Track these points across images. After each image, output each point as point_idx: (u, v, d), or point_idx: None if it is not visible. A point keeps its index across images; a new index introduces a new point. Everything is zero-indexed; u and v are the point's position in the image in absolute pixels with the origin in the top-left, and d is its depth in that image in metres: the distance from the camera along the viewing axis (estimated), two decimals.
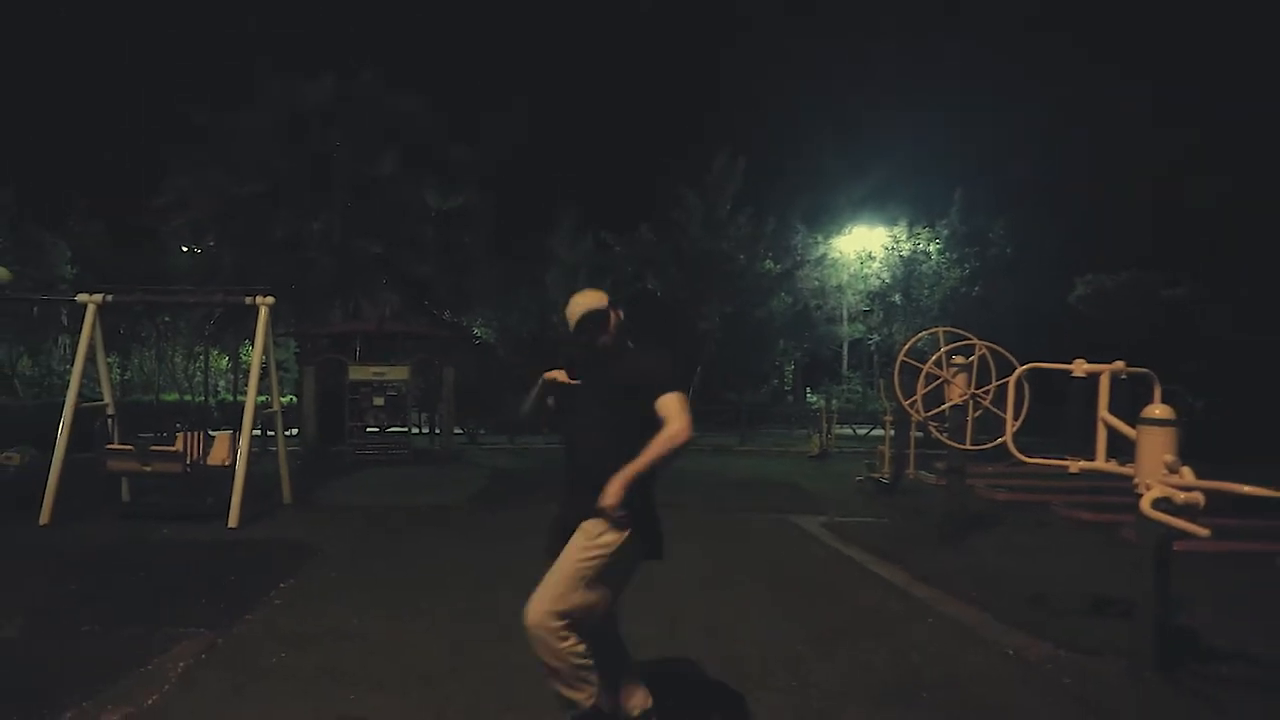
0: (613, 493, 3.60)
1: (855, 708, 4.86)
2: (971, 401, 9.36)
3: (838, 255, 39.78)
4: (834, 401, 32.38)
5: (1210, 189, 31.15)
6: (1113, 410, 5.74)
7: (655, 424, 3.71)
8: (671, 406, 3.71)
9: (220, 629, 6.06)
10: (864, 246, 39.63)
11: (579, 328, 3.98)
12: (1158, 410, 5.28)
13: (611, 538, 3.76)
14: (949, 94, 55.53)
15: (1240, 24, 38.72)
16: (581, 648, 3.70)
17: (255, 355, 11.50)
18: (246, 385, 11.53)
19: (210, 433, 11.37)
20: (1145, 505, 5.02)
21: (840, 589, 7.80)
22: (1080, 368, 6.09)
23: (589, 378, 4.01)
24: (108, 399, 11.61)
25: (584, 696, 3.73)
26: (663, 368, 3.88)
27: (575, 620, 3.69)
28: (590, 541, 3.75)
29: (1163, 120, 35.39)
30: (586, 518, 3.76)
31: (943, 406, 9.74)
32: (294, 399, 26.02)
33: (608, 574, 3.80)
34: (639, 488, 3.75)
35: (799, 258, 36.88)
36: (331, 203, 23.27)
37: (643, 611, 6.42)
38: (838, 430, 26.63)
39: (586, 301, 4.03)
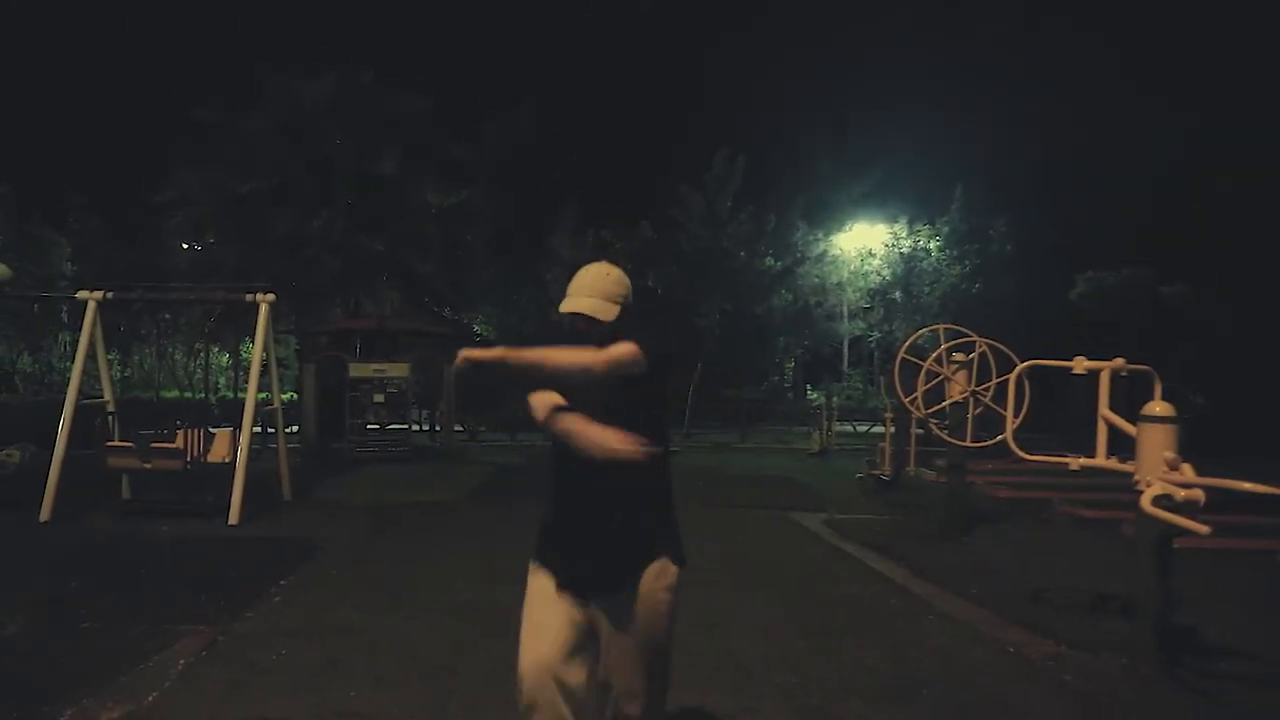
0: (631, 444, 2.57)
1: (855, 704, 4.84)
2: (972, 398, 9.35)
3: (838, 252, 39.78)
4: (834, 398, 32.31)
5: (1212, 186, 31.18)
6: (1113, 407, 5.73)
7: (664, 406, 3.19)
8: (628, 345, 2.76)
9: (220, 626, 6.05)
10: (864, 243, 39.68)
11: (575, 316, 3.01)
12: (1158, 407, 5.28)
13: (673, 580, 3.09)
14: (949, 91, 55.38)
15: (1243, 21, 38.61)
16: None
17: (256, 352, 11.49)
18: (247, 382, 11.51)
19: (210, 430, 11.35)
20: (1145, 502, 5.01)
21: (840, 585, 7.79)
22: (1080, 365, 6.09)
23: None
24: (108, 396, 11.60)
25: None
26: (662, 330, 2.98)
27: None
28: (666, 597, 3.06)
29: (1164, 115, 35.24)
30: (630, 572, 3.00)
31: (943, 403, 9.72)
32: (294, 396, 26.01)
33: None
34: (666, 492, 3.20)
35: (799, 255, 36.81)
36: (333, 200, 23.27)
37: None
38: (838, 427, 26.61)
39: (585, 288, 3.04)
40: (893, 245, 37.98)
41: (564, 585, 3.00)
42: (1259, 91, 34.80)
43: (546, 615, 2.98)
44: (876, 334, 39.89)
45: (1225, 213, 30.47)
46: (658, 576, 3.00)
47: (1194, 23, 42.32)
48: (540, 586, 3.05)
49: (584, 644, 2.99)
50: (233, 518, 10.18)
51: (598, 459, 2.59)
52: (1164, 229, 32.05)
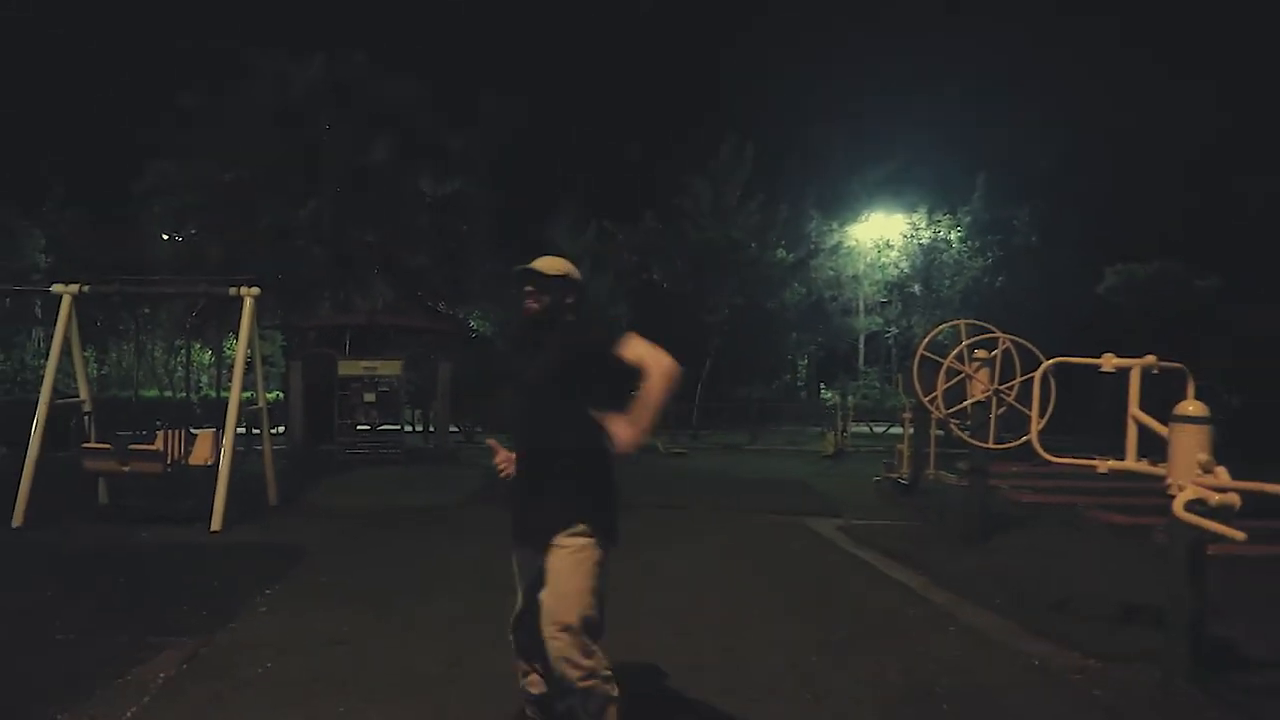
0: (631, 443, 3.50)
1: (870, 717, 4.84)
2: (995, 398, 9.34)
3: (854, 244, 39.78)
4: (850, 398, 32.33)
5: (1248, 175, 31.15)
6: (1144, 407, 5.71)
7: (606, 396, 3.71)
8: (641, 346, 3.64)
9: (203, 637, 6.03)
10: (881, 234, 39.66)
11: (521, 282, 3.89)
12: (1191, 407, 5.25)
13: (594, 552, 3.74)
14: (972, 76, 55.32)
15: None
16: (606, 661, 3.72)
17: (240, 349, 11.49)
18: (230, 381, 11.51)
19: (192, 431, 11.35)
20: (1178, 507, 5.00)
21: (855, 594, 7.78)
22: (1109, 362, 6.05)
23: (534, 354, 3.93)
24: (84, 395, 11.59)
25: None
26: (611, 332, 3.76)
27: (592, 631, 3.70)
28: (577, 556, 3.70)
29: (1198, 100, 35.19)
30: (552, 522, 3.73)
31: (964, 403, 9.70)
32: (280, 395, 26.03)
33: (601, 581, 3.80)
34: (604, 475, 3.88)
35: (813, 246, 36.88)
36: (321, 190, 23.35)
37: (649, 616, 6.41)
38: (854, 428, 26.65)
39: (537, 263, 3.95)
40: (911, 236, 37.96)
41: (514, 531, 3.94)
42: None
43: (514, 564, 4.00)
44: (894, 330, 39.90)
45: (1262, 203, 30.41)
46: (568, 537, 3.69)
47: (1229, 8, 42.23)
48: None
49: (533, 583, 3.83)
50: (216, 524, 10.15)
51: (535, 441, 3.81)
52: (1197, 219, 32.00)
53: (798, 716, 4.88)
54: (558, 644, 3.59)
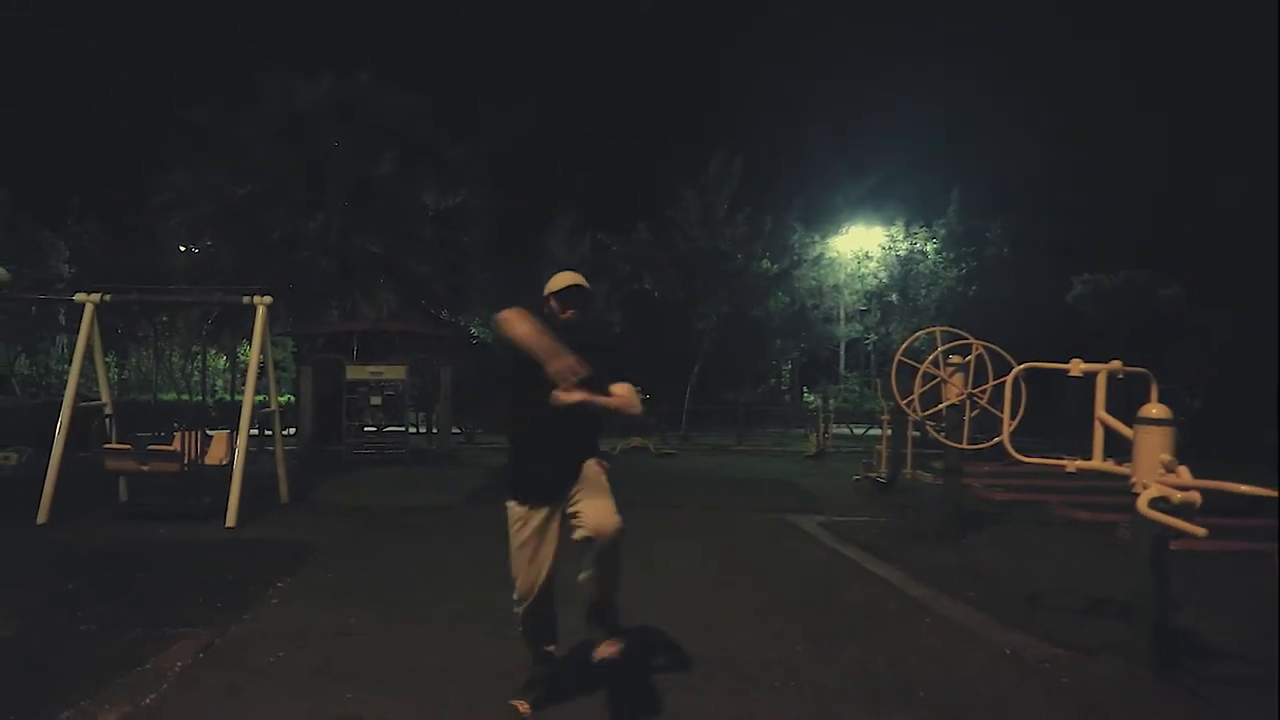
0: (631, 400, 4.56)
1: (852, 707, 4.85)
2: (968, 401, 9.37)
3: (835, 255, 39.69)
4: (831, 401, 32.40)
5: (1212, 189, 31.26)
6: (1110, 410, 5.73)
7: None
8: (625, 389, 4.55)
9: (218, 629, 6.05)
10: (861, 246, 39.55)
11: (566, 297, 4.62)
12: (1155, 409, 5.28)
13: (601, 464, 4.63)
14: (946, 93, 55.52)
15: (1238, 24, 38.66)
16: None
17: (253, 355, 11.48)
18: (244, 385, 11.50)
19: (208, 432, 11.35)
20: (1142, 504, 5.02)
21: (837, 588, 7.79)
22: (1077, 367, 6.09)
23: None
24: (105, 398, 11.57)
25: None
26: (621, 355, 4.85)
27: None
28: (602, 472, 4.55)
29: (1160, 117, 35.34)
30: (577, 472, 4.51)
31: (940, 406, 9.73)
32: (291, 398, 26.01)
33: None
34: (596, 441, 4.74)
35: (796, 257, 36.79)
36: (329, 202, 23.27)
37: (638, 608, 6.41)
38: (835, 430, 26.65)
39: (575, 277, 4.67)
40: (890, 248, 37.90)
41: (538, 502, 4.49)
42: (1256, 94, 34.84)
43: (531, 537, 4.48)
44: (873, 336, 39.85)
45: (1224, 217, 30.51)
46: (592, 462, 4.55)
47: (1194, 26, 42.38)
48: (520, 514, 4.51)
49: (551, 538, 4.54)
50: (230, 520, 10.15)
51: (565, 421, 4.26)
52: (1162, 232, 32.11)
53: (784, 706, 4.89)
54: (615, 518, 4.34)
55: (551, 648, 4.84)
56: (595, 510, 4.32)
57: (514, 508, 4.55)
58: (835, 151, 46.27)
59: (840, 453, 23.03)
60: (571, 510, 4.44)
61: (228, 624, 6.20)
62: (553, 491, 4.50)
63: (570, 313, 4.60)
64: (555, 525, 4.54)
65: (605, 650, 4.62)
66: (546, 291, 4.68)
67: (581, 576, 4.51)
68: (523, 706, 4.63)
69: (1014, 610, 6.87)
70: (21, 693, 4.79)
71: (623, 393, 4.49)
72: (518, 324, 4.25)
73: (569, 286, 4.59)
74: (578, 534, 4.38)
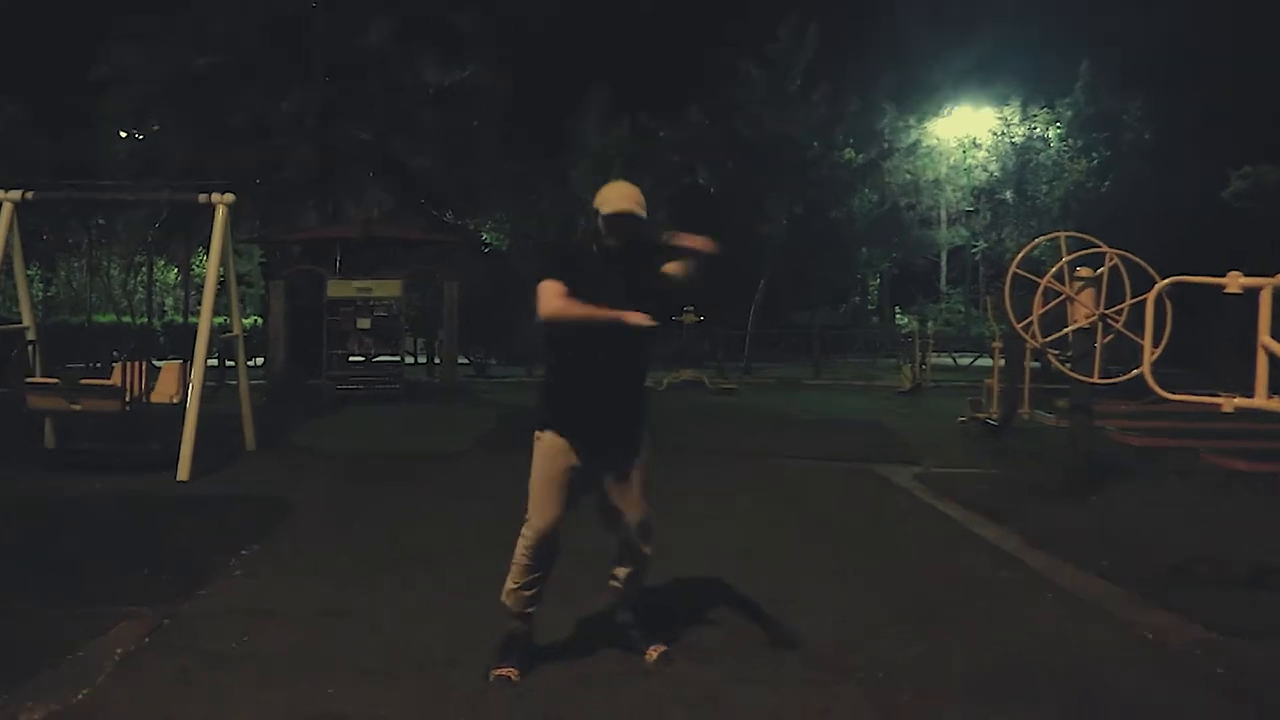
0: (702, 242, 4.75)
1: (952, 702, 4.74)
2: (1101, 324, 9.19)
3: (935, 142, 39.50)
4: (930, 324, 32.31)
5: None
6: (1277, 335, 5.56)
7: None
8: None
9: (167, 606, 5.99)
10: (967, 132, 39.34)
11: (617, 221, 4.81)
12: None
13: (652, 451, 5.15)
14: None
15: None
16: None
17: (211, 267, 11.48)
18: (199, 305, 11.49)
19: (155, 363, 11.38)
20: None
21: (937, 555, 7.75)
22: (1235, 281, 5.89)
23: (607, 281, 4.74)
24: (28, 321, 11.55)
25: None
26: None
27: None
28: (649, 459, 5.08)
29: None
30: (636, 440, 4.98)
31: (1065, 330, 9.59)
32: (259, 321, 26.18)
33: None
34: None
35: (887, 145, 36.57)
36: (307, 79, 23.23)
37: (688, 582, 6.34)
38: (934, 360, 26.59)
39: (630, 197, 4.86)
40: (1002, 134, 37.53)
41: (586, 445, 4.79)
42: None
43: (559, 477, 4.77)
44: (982, 244, 39.65)
45: None
46: (646, 448, 5.03)
47: None
48: (553, 449, 4.79)
49: (582, 490, 4.90)
50: (182, 472, 10.15)
51: (616, 348, 4.72)
52: None
53: (869, 700, 4.76)
54: (650, 517, 5.03)
55: (534, 608, 5.07)
56: (633, 507, 4.96)
57: (549, 437, 4.83)
58: (935, 13, 45.44)
59: (941, 388, 23.00)
60: (613, 504, 4.97)
61: (180, 600, 6.13)
62: (603, 431, 4.87)
63: (626, 234, 4.83)
64: (592, 470, 4.89)
65: (652, 655, 5.09)
66: (595, 205, 4.93)
67: (618, 571, 5.20)
68: (513, 674, 4.82)
69: (1157, 584, 6.72)
70: None
71: (691, 241, 4.76)
72: (564, 311, 4.62)
73: (619, 214, 4.81)
74: (613, 525, 5.06)
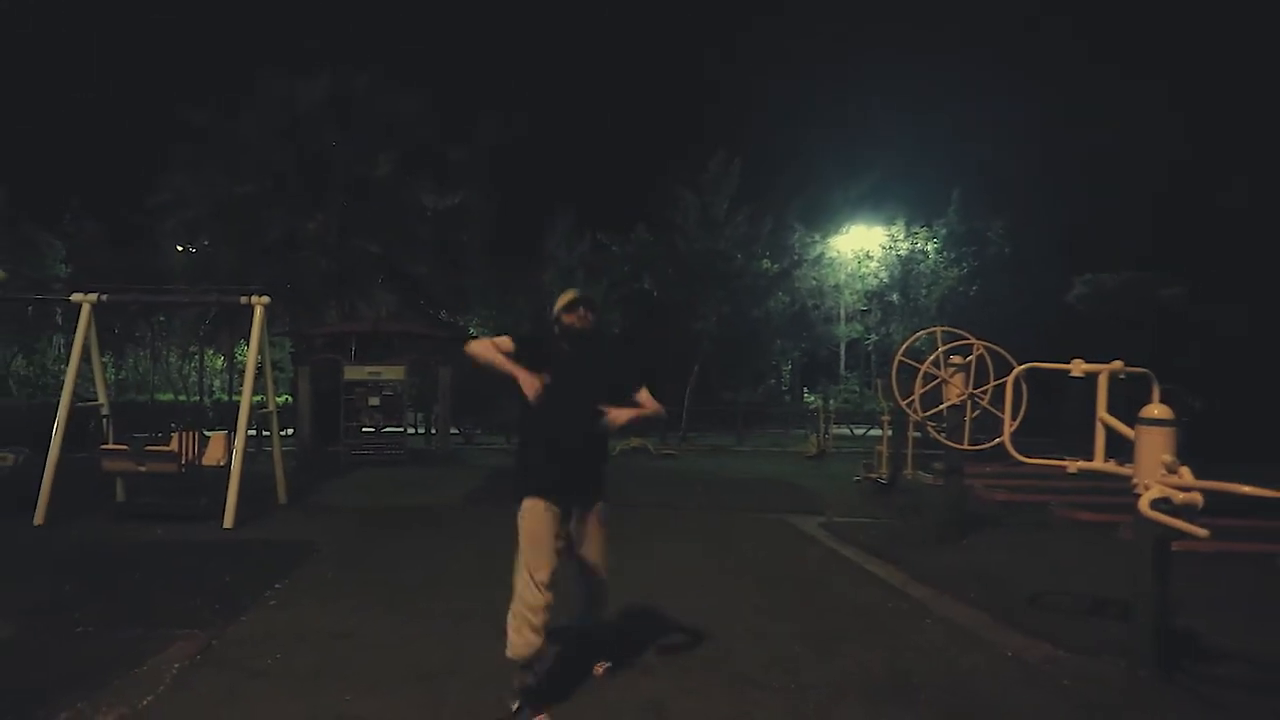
0: (657, 406, 5.07)
1: (852, 708, 4.86)
2: (969, 401, 9.35)
3: (835, 255, 39.65)
4: (831, 401, 32.32)
5: (1215, 188, 31.23)
6: (1111, 410, 5.73)
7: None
8: (648, 396, 5.06)
9: (215, 630, 6.06)
10: (862, 246, 39.52)
11: (575, 305, 4.99)
12: (1156, 410, 5.28)
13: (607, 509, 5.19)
14: (947, 93, 55.51)
15: (1243, 25, 38.67)
16: None
17: (250, 355, 11.48)
18: (242, 385, 11.50)
19: (205, 433, 11.35)
20: (1144, 505, 5.02)
21: (838, 589, 7.81)
22: (1078, 368, 6.08)
23: (570, 368, 4.87)
24: (102, 399, 11.58)
25: None
26: (639, 365, 5.21)
27: None
28: (605, 516, 5.15)
29: (1165, 115, 35.23)
30: (594, 496, 5.04)
31: (940, 406, 9.70)
32: (289, 399, 25.98)
33: None
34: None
35: (796, 257, 36.70)
36: (328, 202, 23.30)
37: (636, 610, 6.43)
38: (835, 430, 26.60)
39: (578, 292, 5.12)
40: (890, 248, 37.85)
41: (560, 504, 4.80)
42: (1264, 93, 34.85)
43: (548, 535, 4.72)
44: (874, 336, 39.79)
45: (1228, 215, 30.47)
46: (602, 507, 5.09)
47: (1198, 24, 42.36)
48: (535, 511, 4.74)
49: (564, 532, 4.87)
50: (227, 521, 10.16)
51: (582, 431, 4.81)
52: (1165, 230, 32.05)
53: (783, 705, 4.89)
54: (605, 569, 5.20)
55: (539, 654, 4.69)
56: (597, 558, 5.13)
57: (530, 503, 4.78)
58: (836, 150, 46.12)
59: (841, 453, 23.00)
60: (579, 555, 5.05)
61: (225, 625, 6.20)
62: (571, 490, 4.89)
63: (585, 319, 5.00)
64: (570, 522, 4.94)
65: (599, 670, 5.31)
66: (556, 309, 5.06)
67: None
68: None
69: (1015, 611, 6.88)
70: (19, 694, 4.80)
71: (646, 399, 5.03)
72: (482, 352, 4.79)
73: (575, 299, 5.03)
74: (576, 577, 5.23)
